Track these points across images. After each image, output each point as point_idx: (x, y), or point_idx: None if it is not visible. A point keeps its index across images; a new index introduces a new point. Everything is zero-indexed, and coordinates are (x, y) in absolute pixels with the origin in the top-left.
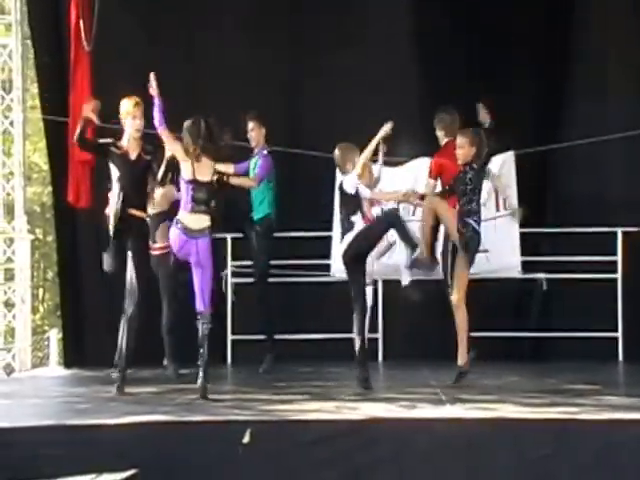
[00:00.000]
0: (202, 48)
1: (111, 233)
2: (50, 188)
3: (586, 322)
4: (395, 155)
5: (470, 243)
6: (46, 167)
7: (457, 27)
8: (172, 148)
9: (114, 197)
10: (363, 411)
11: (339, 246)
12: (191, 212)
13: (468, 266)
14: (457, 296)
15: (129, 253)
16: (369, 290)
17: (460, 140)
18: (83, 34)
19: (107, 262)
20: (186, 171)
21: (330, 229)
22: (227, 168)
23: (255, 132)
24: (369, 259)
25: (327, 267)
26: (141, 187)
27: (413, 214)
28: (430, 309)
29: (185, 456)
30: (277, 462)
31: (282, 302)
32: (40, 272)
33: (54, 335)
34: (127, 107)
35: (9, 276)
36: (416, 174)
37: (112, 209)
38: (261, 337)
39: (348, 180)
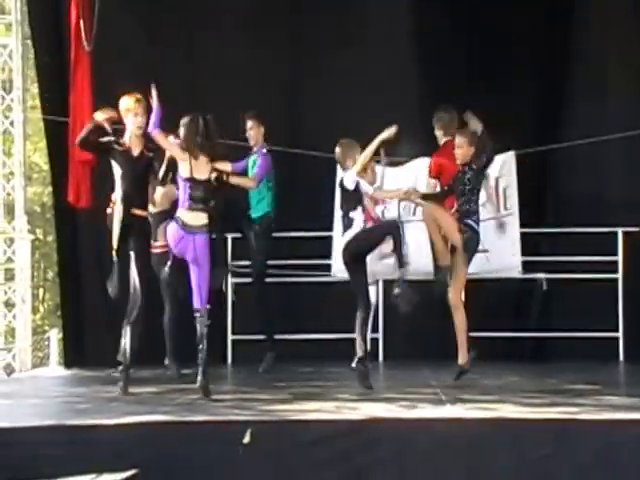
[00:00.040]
0: (202, 48)
1: (115, 245)
2: (50, 188)
3: (586, 322)
4: (395, 155)
5: (469, 243)
6: (46, 167)
7: (457, 27)
8: (168, 148)
9: (118, 198)
10: (363, 411)
11: (339, 243)
12: (189, 210)
13: (466, 266)
14: (455, 296)
15: (131, 254)
16: (372, 289)
17: (459, 140)
18: (83, 34)
19: (112, 289)
20: (183, 169)
21: (330, 229)
22: (224, 166)
23: (254, 131)
24: (370, 258)
25: (327, 267)
26: (144, 184)
27: (414, 214)
28: (430, 309)
29: (185, 456)
30: (277, 462)
31: (282, 302)
32: (40, 272)
33: (54, 335)
34: (128, 104)
35: (9, 276)
36: (416, 174)
37: (116, 215)
38: (261, 337)
39: (348, 176)
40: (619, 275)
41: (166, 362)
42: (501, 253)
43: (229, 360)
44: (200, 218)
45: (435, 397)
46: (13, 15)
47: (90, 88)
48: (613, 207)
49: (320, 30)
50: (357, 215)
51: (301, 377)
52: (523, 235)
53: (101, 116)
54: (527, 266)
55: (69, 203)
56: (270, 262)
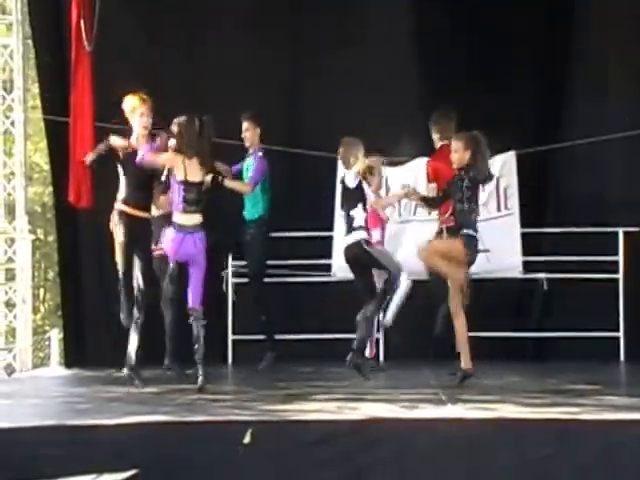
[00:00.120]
0: (202, 48)
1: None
2: (51, 188)
3: (587, 322)
4: (395, 155)
5: (466, 247)
6: (47, 167)
7: (457, 27)
8: (162, 163)
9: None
10: (364, 411)
11: (341, 241)
12: (183, 212)
13: (463, 271)
14: (453, 303)
15: (135, 257)
16: (403, 275)
17: (455, 144)
18: (84, 34)
19: (123, 317)
20: (177, 171)
21: (330, 229)
22: (219, 167)
23: (250, 132)
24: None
25: (327, 267)
26: (148, 186)
27: (414, 214)
28: (430, 309)
29: (186, 456)
30: (278, 462)
31: (282, 302)
32: (41, 272)
33: (55, 335)
34: (133, 103)
35: (10, 276)
36: (416, 174)
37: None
38: (261, 337)
39: (350, 175)
40: (620, 275)
41: (166, 362)
42: (502, 253)
43: (229, 360)
44: (195, 219)
45: (436, 397)
46: (14, 15)
47: (90, 88)
48: (613, 207)
49: (320, 30)
50: (357, 213)
51: (301, 377)
52: (523, 235)
53: (117, 142)
54: (528, 266)
55: (70, 203)
56: (270, 262)
